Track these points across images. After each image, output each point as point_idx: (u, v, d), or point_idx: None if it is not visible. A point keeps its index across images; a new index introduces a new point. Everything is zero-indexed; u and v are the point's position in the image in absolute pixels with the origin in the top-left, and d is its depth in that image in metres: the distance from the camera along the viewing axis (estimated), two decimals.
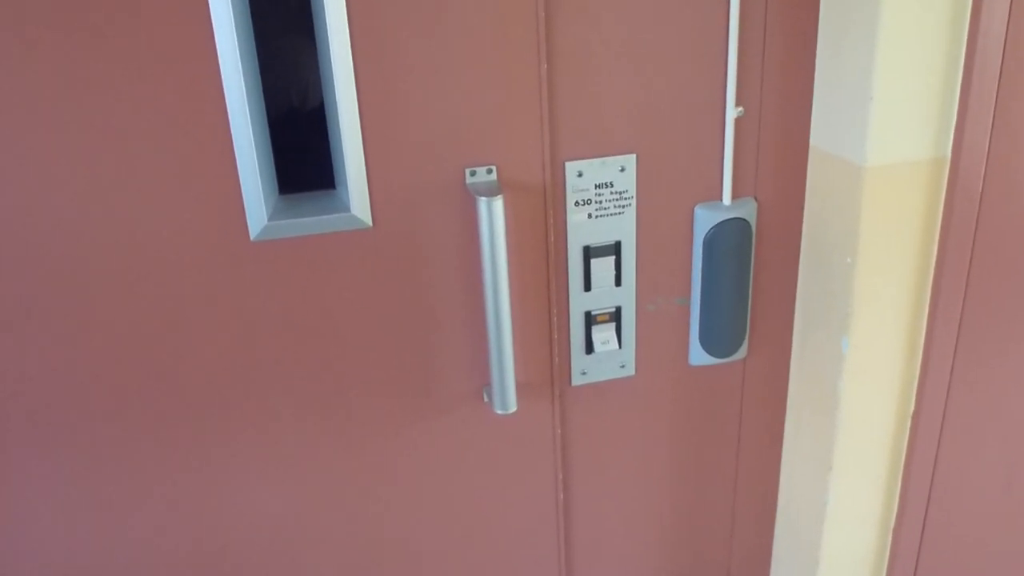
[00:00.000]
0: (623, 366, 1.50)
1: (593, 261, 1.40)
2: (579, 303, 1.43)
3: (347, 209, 1.28)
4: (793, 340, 1.55)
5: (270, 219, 1.27)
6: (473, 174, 1.29)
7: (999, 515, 1.68)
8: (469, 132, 1.27)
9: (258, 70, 1.26)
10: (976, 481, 1.61)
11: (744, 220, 1.42)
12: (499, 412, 1.38)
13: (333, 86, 1.21)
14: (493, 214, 1.24)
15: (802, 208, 1.46)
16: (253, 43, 1.24)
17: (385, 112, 1.23)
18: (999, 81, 1.28)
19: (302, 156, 1.35)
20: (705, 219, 1.41)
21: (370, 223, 1.29)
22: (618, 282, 1.43)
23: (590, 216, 1.38)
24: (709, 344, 1.50)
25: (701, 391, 1.57)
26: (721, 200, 1.42)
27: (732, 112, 1.35)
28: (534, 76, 1.26)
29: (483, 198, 1.23)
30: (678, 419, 1.58)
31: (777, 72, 1.36)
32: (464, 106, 1.25)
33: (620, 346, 1.48)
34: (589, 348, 1.47)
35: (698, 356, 1.52)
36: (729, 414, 1.61)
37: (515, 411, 1.39)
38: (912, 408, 1.49)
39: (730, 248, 1.42)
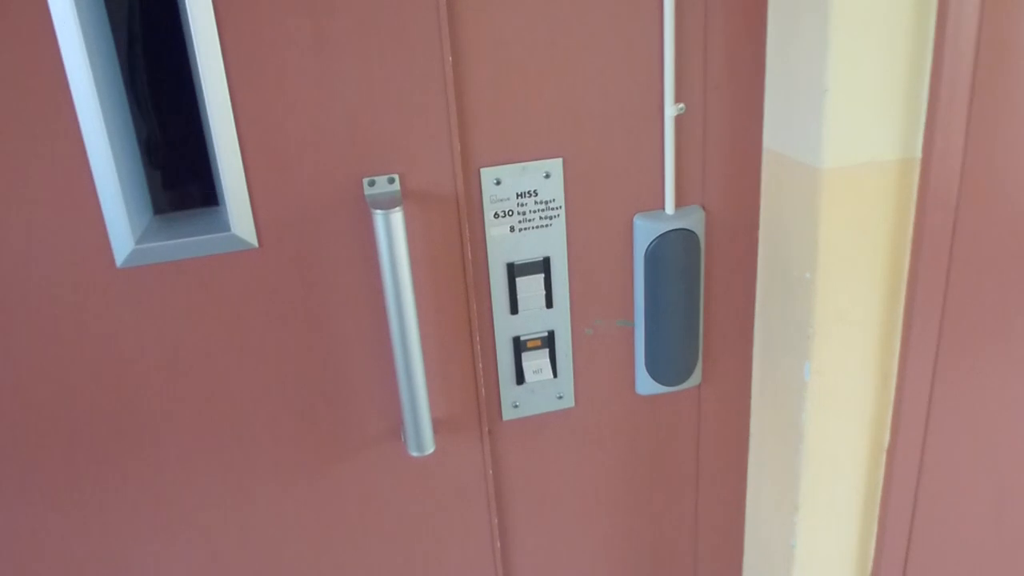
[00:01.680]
0: (561, 397, 1.33)
1: (519, 280, 1.24)
2: (505, 327, 1.27)
3: (227, 228, 1.12)
4: (753, 365, 1.39)
5: (138, 242, 1.11)
6: (372, 184, 1.13)
7: (987, 553, 1.51)
8: (366, 137, 1.11)
9: (119, 79, 1.10)
10: (961, 518, 1.44)
11: (690, 231, 1.25)
12: (414, 454, 1.21)
13: (202, 91, 1.05)
14: (392, 229, 1.08)
15: (757, 217, 1.29)
16: (111, 48, 1.09)
17: (265, 117, 1.07)
18: (974, 66, 1.12)
19: (185, 171, 1.19)
20: (646, 230, 1.25)
21: (255, 243, 1.13)
22: (549, 303, 1.27)
23: (513, 229, 1.21)
24: (657, 371, 1.33)
25: (651, 423, 1.40)
26: (663, 209, 1.26)
27: (671, 110, 1.19)
28: (438, 71, 1.10)
29: (379, 212, 1.07)
30: (627, 454, 1.41)
31: (722, 63, 1.20)
32: (358, 107, 1.09)
33: (555, 375, 1.31)
34: (520, 378, 1.30)
35: (645, 384, 1.35)
36: (685, 448, 1.44)
37: (432, 452, 1.22)
38: (887, 440, 1.32)
39: (675, 262, 1.26)
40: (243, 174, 1.09)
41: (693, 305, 1.30)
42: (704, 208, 1.27)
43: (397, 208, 1.07)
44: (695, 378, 1.36)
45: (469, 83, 1.12)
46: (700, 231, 1.27)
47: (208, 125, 1.07)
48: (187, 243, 1.12)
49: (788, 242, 1.22)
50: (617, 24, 1.14)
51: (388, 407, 1.27)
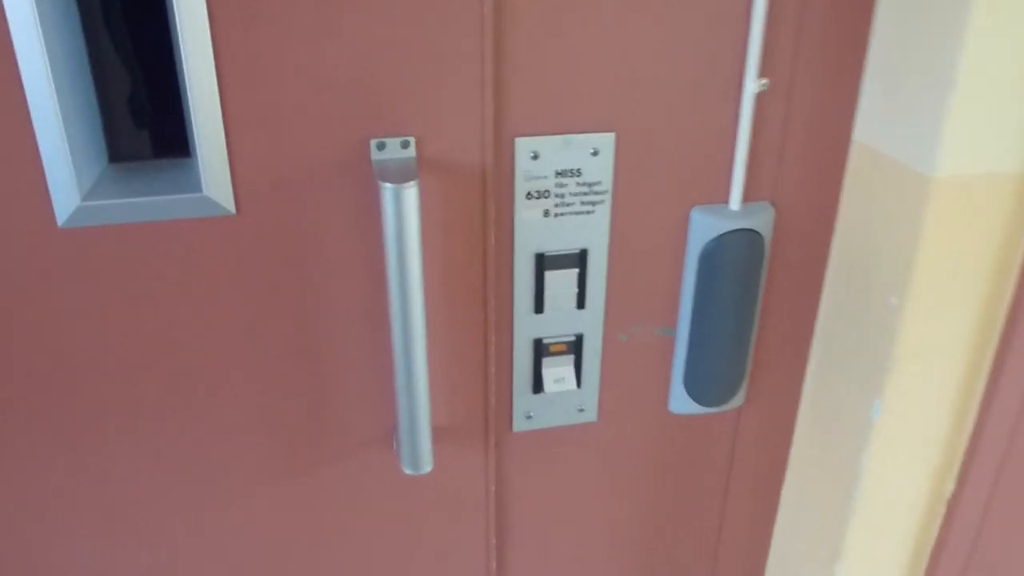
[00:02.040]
0: (582, 410, 1.14)
1: (548, 274, 1.03)
2: (527, 328, 1.07)
3: (198, 188, 0.90)
4: (804, 391, 1.20)
5: (86, 198, 0.89)
6: (382, 147, 0.91)
7: None
8: (377, 87, 0.89)
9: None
10: None
11: (755, 233, 1.05)
12: (408, 472, 1.02)
13: (175, 13, 0.82)
14: (403, 207, 0.86)
15: (834, 221, 1.08)
16: None
17: (252, 54, 0.85)
18: None
19: (153, 112, 0.97)
20: (704, 227, 1.04)
21: (232, 209, 0.92)
22: (581, 303, 1.06)
23: (547, 214, 1.00)
24: (696, 388, 1.14)
25: (681, 446, 1.21)
26: (727, 204, 1.05)
27: (753, 85, 0.97)
28: (473, 11, 0.87)
29: (389, 185, 0.85)
30: (648, 478, 1.23)
31: (819, 33, 0.98)
32: (369, 50, 0.87)
33: (579, 385, 1.11)
34: (538, 386, 1.10)
35: (681, 402, 1.16)
36: (713, 476, 1.26)
37: (429, 471, 1.03)
38: (950, 491, 1.14)
39: (734, 267, 1.06)
40: (221, 122, 0.87)
41: (747, 318, 1.10)
42: (774, 206, 1.06)
43: (411, 182, 0.86)
44: (737, 399, 1.17)
45: (511, 30, 0.90)
46: (767, 233, 1.06)
47: (181, 57, 0.84)
48: (146, 203, 0.90)
49: (873, 258, 1.02)
50: None
51: (382, 410, 1.07)
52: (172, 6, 0.81)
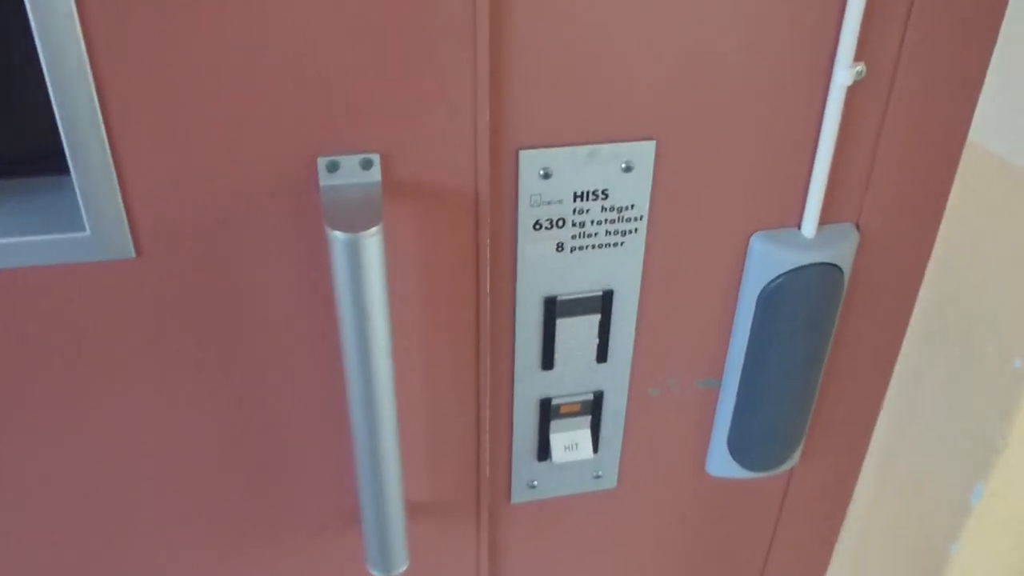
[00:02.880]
0: (599, 476, 0.91)
1: (561, 322, 0.79)
2: (531, 386, 0.83)
3: (81, 226, 0.65)
4: (869, 456, 0.96)
5: None
6: (334, 168, 0.66)
7: None
8: (326, 86, 0.63)
9: None
10: None
11: (833, 267, 0.80)
12: (377, 575, 0.79)
13: None
14: (360, 261, 0.61)
15: (931, 249, 0.84)
16: None
17: (143, 41, 0.59)
18: None
19: (20, 119, 0.71)
20: (766, 260, 0.79)
21: (131, 251, 0.67)
22: (602, 356, 0.82)
23: (561, 248, 0.75)
24: (743, 450, 0.91)
25: (716, 512, 0.99)
26: (799, 228, 0.79)
27: (845, 72, 0.71)
28: None
29: (340, 235, 0.60)
30: (675, 550, 1.01)
31: (934, 7, 0.71)
32: (314, 34, 0.61)
33: (596, 450, 0.88)
34: (544, 453, 0.87)
35: (721, 464, 0.93)
36: (751, 548, 1.04)
37: (404, 570, 0.80)
38: None
39: (803, 310, 0.81)
40: (104, 138, 0.62)
41: (813, 371, 0.86)
42: (859, 229, 0.81)
43: (372, 230, 0.60)
44: (790, 462, 0.94)
45: (513, 4, 0.63)
46: (847, 264, 0.81)
47: (37, 46, 0.58)
48: (13, 246, 0.65)
49: (985, 301, 0.77)
50: None
51: (347, 482, 0.84)
52: None
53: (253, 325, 0.72)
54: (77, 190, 0.63)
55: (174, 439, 0.76)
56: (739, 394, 0.87)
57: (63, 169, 0.65)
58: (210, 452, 0.78)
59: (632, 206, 0.74)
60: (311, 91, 0.63)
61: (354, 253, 0.61)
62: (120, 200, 0.64)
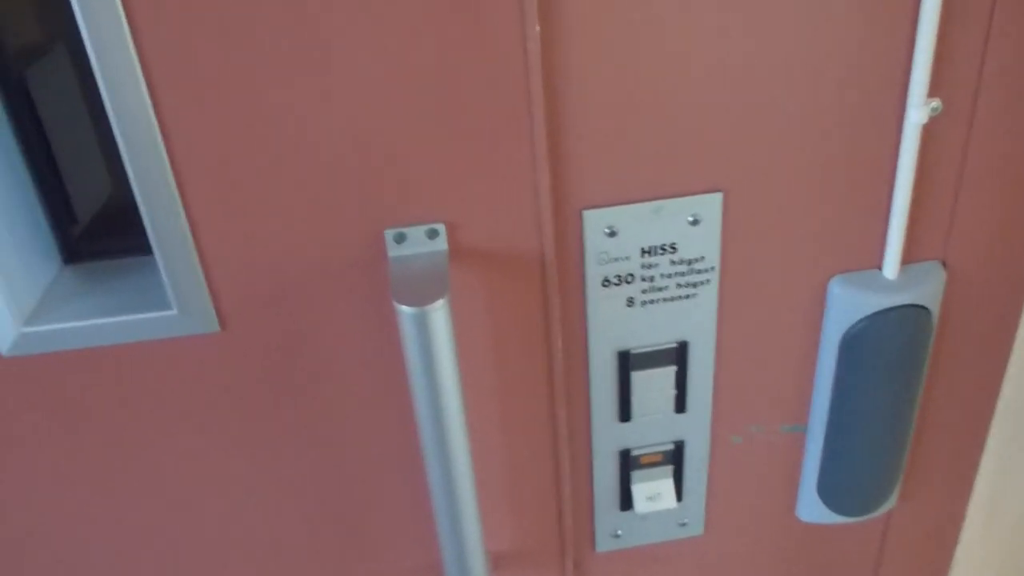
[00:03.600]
0: (684, 524, 0.90)
1: (636, 375, 0.78)
2: (609, 439, 0.82)
3: (167, 305, 0.68)
4: (975, 494, 0.92)
5: (28, 323, 0.69)
6: (401, 239, 0.67)
7: None
8: (391, 161, 0.65)
9: None
10: None
11: (920, 308, 0.77)
12: None
13: (104, 85, 0.59)
14: (429, 332, 0.63)
15: None
16: None
17: (214, 126, 0.62)
18: None
19: (105, 214, 0.75)
20: (847, 305, 0.76)
21: (216, 326, 0.70)
22: (680, 406, 0.81)
23: (632, 303, 0.75)
24: (835, 495, 0.88)
25: (812, 561, 0.95)
26: (880, 270, 0.77)
27: (919, 111, 0.68)
28: (515, 47, 0.62)
29: (407, 309, 0.61)
30: None
31: (1011, 36, 0.68)
32: (377, 112, 0.62)
33: (680, 499, 0.87)
34: (626, 503, 0.86)
35: (812, 509, 0.90)
36: None
37: None
38: None
39: (889, 353, 0.78)
40: (184, 221, 0.65)
41: (905, 414, 0.83)
42: (946, 266, 0.78)
43: (438, 302, 0.62)
44: (886, 505, 0.91)
45: (567, 64, 0.64)
46: (935, 305, 0.78)
47: (116, 137, 0.62)
48: (105, 326, 0.69)
49: None
50: None
51: (429, 534, 0.85)
52: (94, 66, 0.59)
53: (330, 389, 0.74)
54: (162, 271, 0.67)
55: (257, 501, 0.79)
56: (827, 439, 0.84)
57: (148, 249, 0.69)
58: (293, 513, 0.81)
59: (702, 258, 0.73)
60: (376, 166, 0.65)
61: (422, 325, 0.62)
62: (203, 279, 0.67)
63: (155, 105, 0.60)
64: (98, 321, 0.69)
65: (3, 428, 0.74)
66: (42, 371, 0.71)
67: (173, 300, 0.68)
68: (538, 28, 0.61)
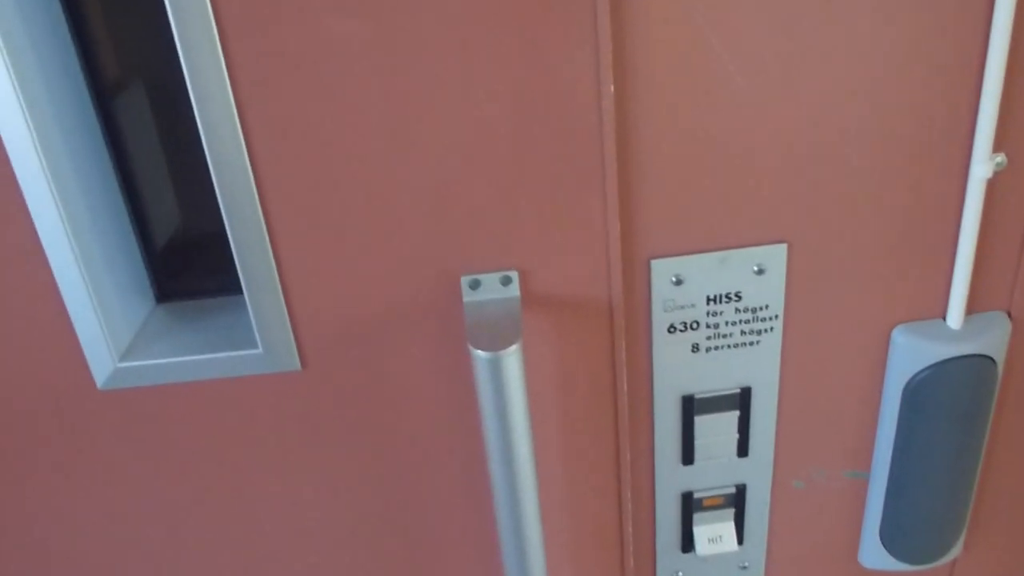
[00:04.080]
0: (745, 567, 0.90)
1: (700, 419, 0.80)
2: (672, 481, 0.84)
3: (254, 344, 0.72)
4: None
5: (124, 358, 0.73)
6: (476, 286, 0.71)
7: None
8: (466, 211, 0.68)
9: (98, 132, 0.71)
10: None
11: (986, 358, 0.77)
12: None
13: (206, 137, 0.64)
14: (502, 376, 0.65)
15: None
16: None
17: (304, 180, 0.66)
18: None
19: (197, 255, 0.80)
20: (910, 354, 0.77)
21: (297, 364, 0.74)
22: (743, 450, 0.82)
23: (697, 349, 0.76)
24: (898, 542, 0.88)
25: None
26: (944, 319, 0.78)
27: (983, 166, 0.70)
28: (589, 105, 0.65)
29: (483, 354, 0.64)
30: None
31: None
32: (455, 164, 0.66)
33: (741, 542, 0.88)
34: (688, 546, 0.88)
35: (875, 556, 0.90)
36: None
37: None
38: None
39: (953, 403, 0.79)
40: (274, 266, 0.69)
41: (969, 463, 0.83)
42: (1011, 317, 0.78)
43: (512, 347, 0.64)
44: (952, 553, 0.90)
45: (637, 120, 0.66)
46: (1000, 355, 0.78)
47: (216, 189, 0.66)
48: (194, 363, 0.73)
49: None
50: (897, 19, 0.65)
51: (494, 575, 0.87)
52: (198, 121, 0.63)
53: (404, 428, 0.77)
54: (251, 313, 0.71)
55: (330, 535, 0.82)
56: (889, 486, 0.84)
57: (235, 289, 0.73)
58: (363, 548, 0.83)
59: (767, 306, 0.75)
60: (454, 214, 0.68)
61: (496, 370, 0.65)
62: (288, 321, 0.71)
63: (249, 150, 0.64)
64: (188, 358, 0.73)
65: (96, 458, 0.78)
66: (134, 404, 0.75)
67: (259, 340, 0.72)
68: (612, 86, 0.64)
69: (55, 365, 0.73)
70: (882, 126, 0.69)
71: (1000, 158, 0.71)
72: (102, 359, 0.72)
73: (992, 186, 0.72)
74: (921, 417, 0.79)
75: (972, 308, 0.78)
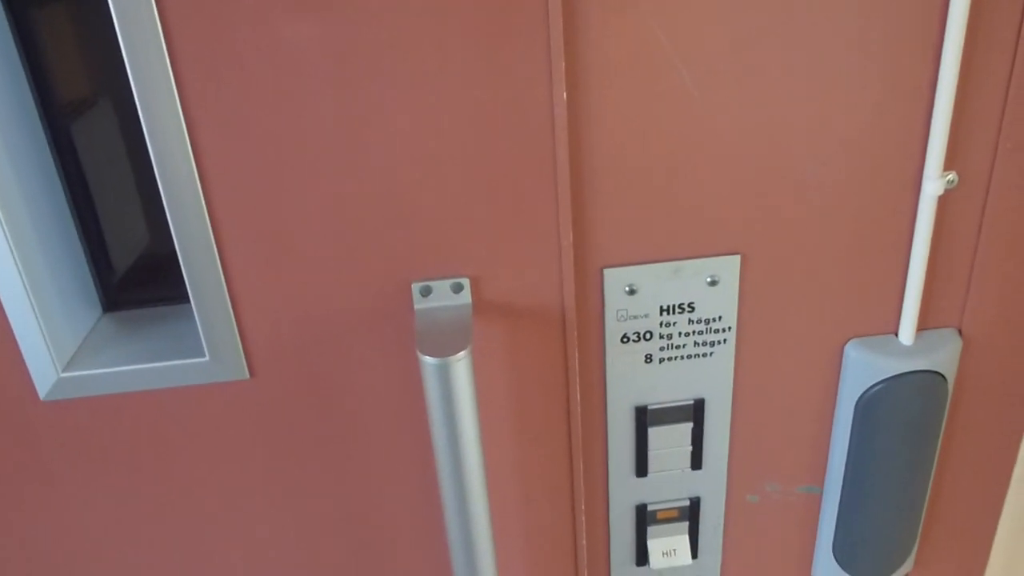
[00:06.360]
0: None
1: (653, 431, 0.80)
2: (626, 494, 0.83)
3: (201, 352, 0.71)
4: (993, 557, 0.91)
5: (67, 368, 0.72)
6: (427, 292, 0.70)
7: None
8: (417, 217, 0.67)
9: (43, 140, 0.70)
10: None
11: (935, 374, 0.78)
12: None
13: (149, 136, 0.63)
14: (451, 383, 0.65)
15: None
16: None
17: (252, 185, 0.65)
18: None
19: (142, 264, 0.79)
20: (863, 369, 0.77)
21: (245, 373, 0.72)
22: (697, 463, 0.82)
23: (650, 359, 0.76)
24: (849, 556, 0.88)
25: None
26: (896, 335, 0.78)
27: (934, 183, 0.70)
28: (543, 108, 0.64)
29: (430, 360, 0.64)
30: None
31: None
32: (406, 170, 0.65)
33: (695, 555, 0.87)
34: (642, 559, 0.87)
35: (827, 571, 0.90)
36: None
37: None
38: None
39: (904, 418, 0.79)
40: (220, 273, 0.68)
41: (921, 477, 0.83)
42: (962, 335, 0.79)
43: (460, 353, 0.64)
44: (903, 568, 0.90)
45: (591, 128, 0.66)
46: (950, 371, 0.79)
47: (164, 198, 0.65)
48: (140, 372, 0.72)
49: None
50: (851, 36, 0.65)
51: None
52: (143, 121, 0.62)
53: (354, 435, 0.76)
54: (197, 321, 0.69)
55: (281, 543, 0.81)
56: (842, 501, 0.84)
57: (183, 298, 0.72)
58: (315, 556, 0.82)
59: (720, 318, 0.75)
60: (405, 221, 0.67)
61: (444, 376, 0.64)
62: (235, 328, 0.70)
63: (196, 158, 0.63)
64: (133, 367, 0.72)
65: (39, 469, 0.76)
66: (79, 415, 0.74)
67: (206, 348, 0.71)
68: (565, 95, 0.64)
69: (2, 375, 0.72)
70: (836, 141, 0.69)
71: (951, 176, 0.71)
72: (44, 369, 0.71)
73: (944, 203, 0.73)
74: (873, 432, 0.79)
75: (924, 324, 0.78)
